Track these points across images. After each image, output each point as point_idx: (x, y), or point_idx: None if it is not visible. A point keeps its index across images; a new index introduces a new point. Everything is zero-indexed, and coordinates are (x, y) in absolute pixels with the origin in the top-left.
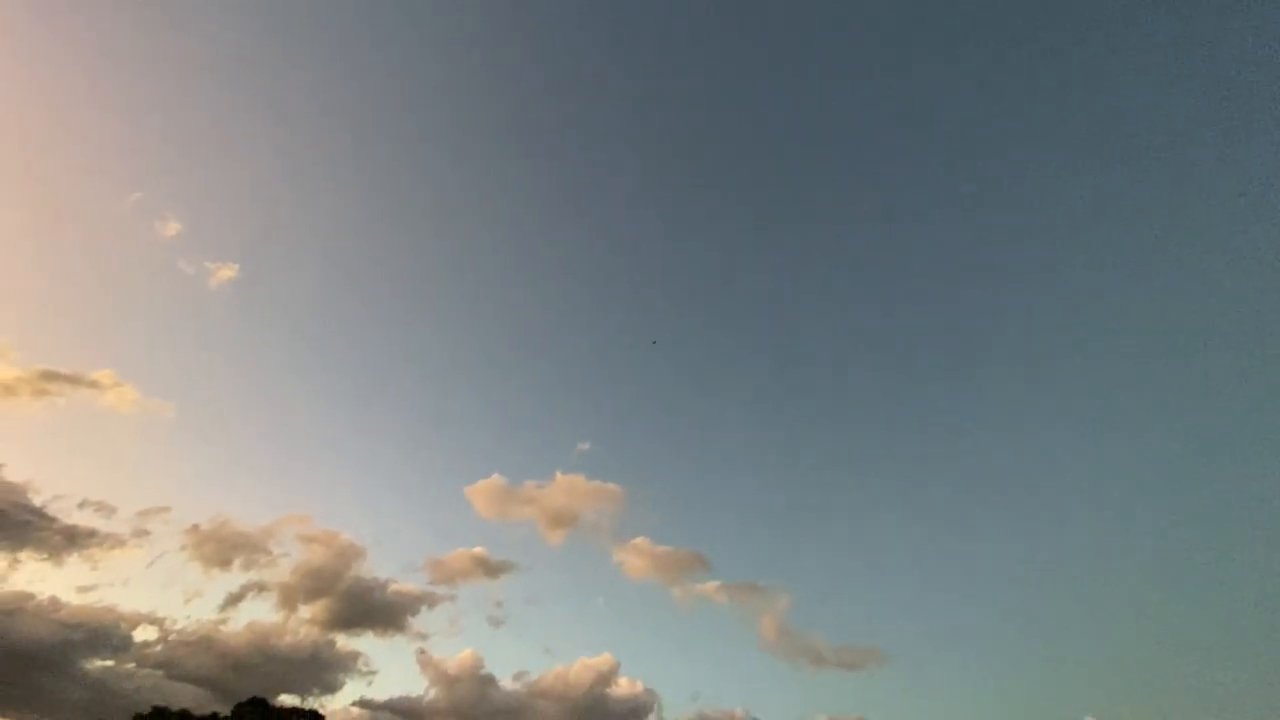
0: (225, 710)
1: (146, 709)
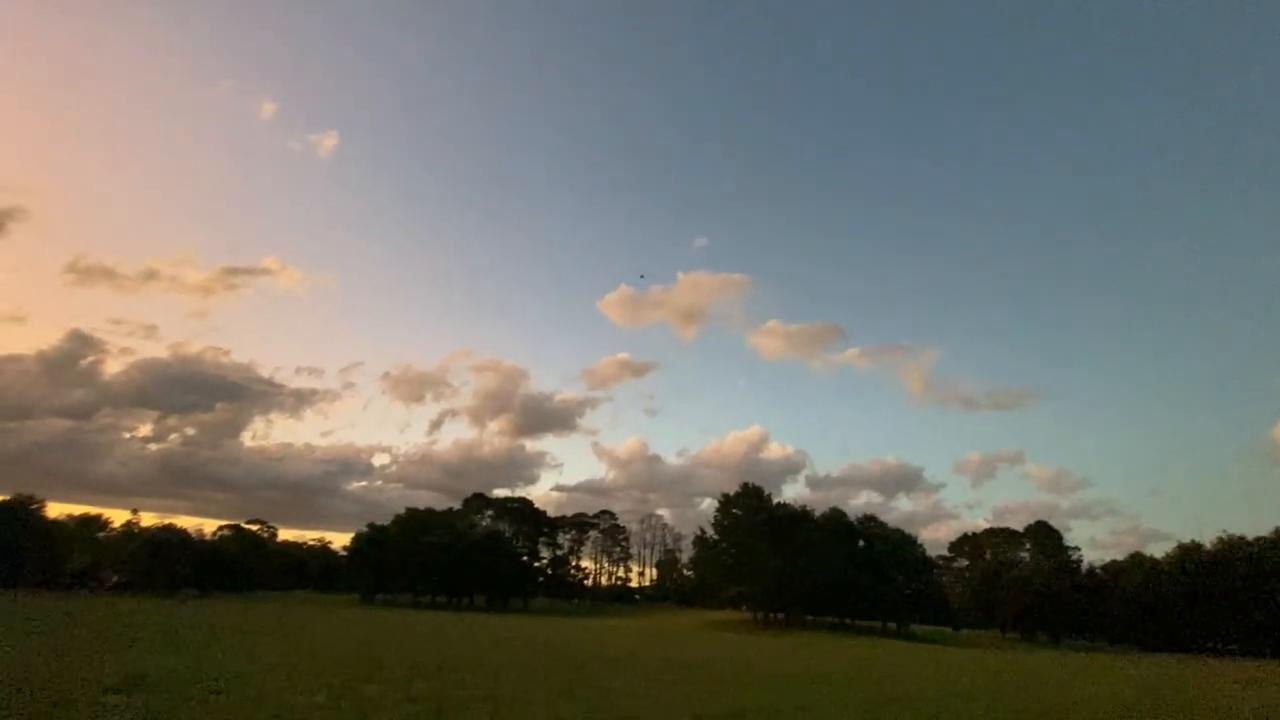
0: (457, 505)
1: (401, 511)
